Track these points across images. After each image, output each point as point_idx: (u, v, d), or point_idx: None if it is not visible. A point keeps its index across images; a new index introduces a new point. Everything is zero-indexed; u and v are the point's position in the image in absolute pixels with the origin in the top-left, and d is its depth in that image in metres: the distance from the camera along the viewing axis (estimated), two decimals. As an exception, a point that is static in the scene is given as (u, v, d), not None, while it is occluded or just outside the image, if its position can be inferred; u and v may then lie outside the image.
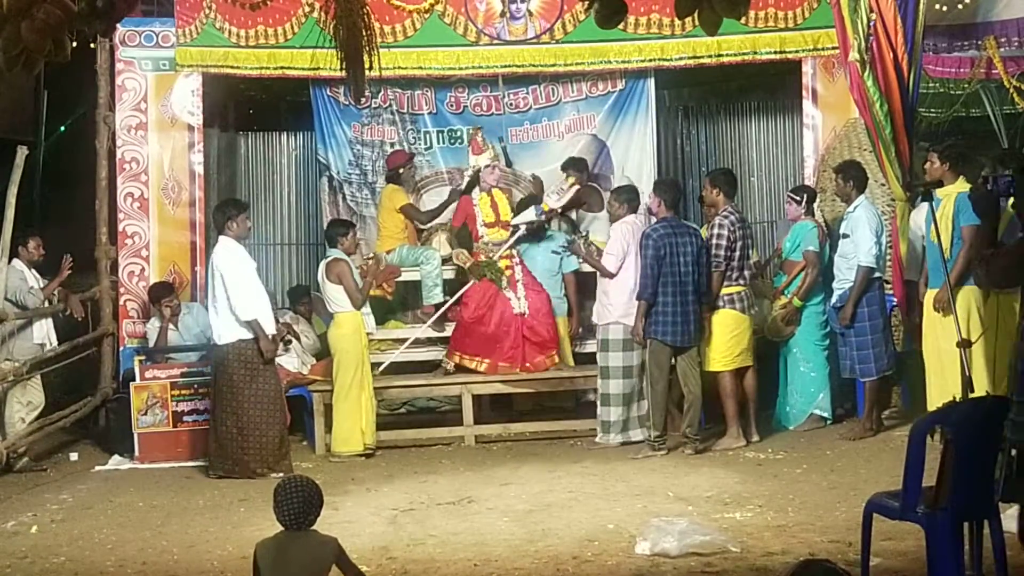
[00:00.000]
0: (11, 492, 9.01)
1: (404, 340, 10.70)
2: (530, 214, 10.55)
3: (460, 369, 10.39)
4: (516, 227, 10.55)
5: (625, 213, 9.75)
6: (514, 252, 10.56)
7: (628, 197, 9.88)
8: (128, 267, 11.00)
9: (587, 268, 10.34)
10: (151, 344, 10.56)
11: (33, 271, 10.37)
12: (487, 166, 10.69)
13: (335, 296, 9.79)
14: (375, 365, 10.20)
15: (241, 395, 9.17)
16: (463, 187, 10.90)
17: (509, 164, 11.45)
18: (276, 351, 9.42)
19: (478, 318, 10.34)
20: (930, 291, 8.80)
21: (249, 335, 9.15)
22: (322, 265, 9.99)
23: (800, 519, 7.10)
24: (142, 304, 10.89)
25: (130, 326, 10.94)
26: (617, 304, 9.61)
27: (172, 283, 10.73)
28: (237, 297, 9.08)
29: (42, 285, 10.38)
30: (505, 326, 10.33)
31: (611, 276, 9.64)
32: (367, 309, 9.98)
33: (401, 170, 11.07)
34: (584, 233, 10.93)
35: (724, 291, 9.52)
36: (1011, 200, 5.04)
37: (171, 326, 10.48)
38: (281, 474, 8.68)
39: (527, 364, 10.35)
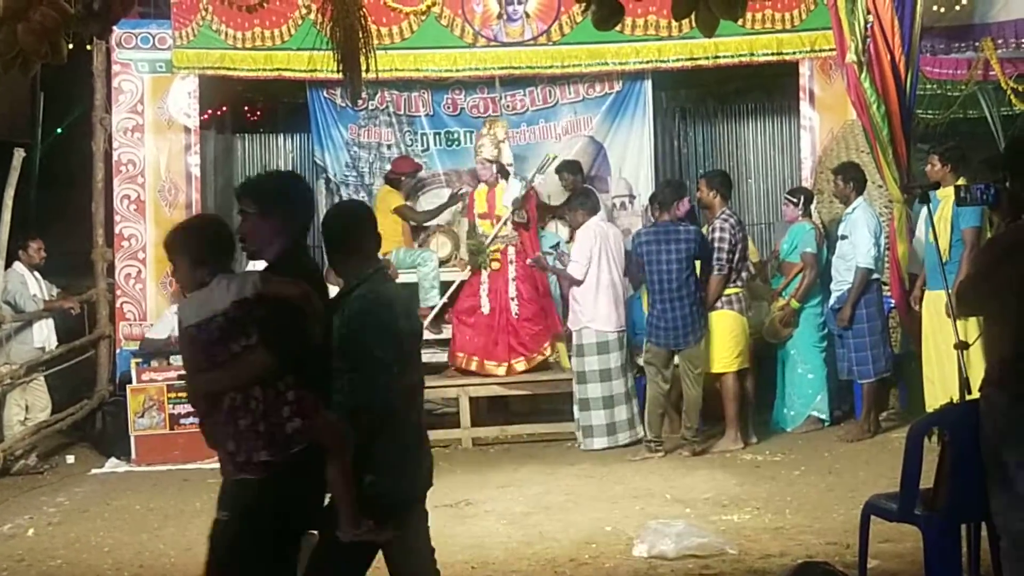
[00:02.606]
0: (8, 495, 9.01)
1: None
2: (514, 191, 10.47)
3: (460, 372, 10.38)
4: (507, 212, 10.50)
5: (584, 218, 9.81)
6: (509, 246, 10.46)
7: (581, 202, 9.95)
8: (124, 269, 10.99)
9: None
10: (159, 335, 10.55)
11: (35, 274, 10.37)
12: (481, 160, 10.58)
13: None
14: None
15: None
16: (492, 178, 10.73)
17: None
18: None
19: (468, 314, 10.33)
20: (928, 292, 8.80)
21: None
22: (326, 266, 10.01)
23: (798, 521, 7.10)
24: (139, 306, 10.87)
25: (127, 328, 10.93)
26: (587, 308, 9.66)
27: None
28: None
29: (44, 289, 10.38)
30: (491, 323, 10.30)
31: (578, 284, 9.69)
32: None
33: (404, 177, 11.07)
34: (557, 243, 10.86)
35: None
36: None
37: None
38: None
39: (510, 362, 10.33)
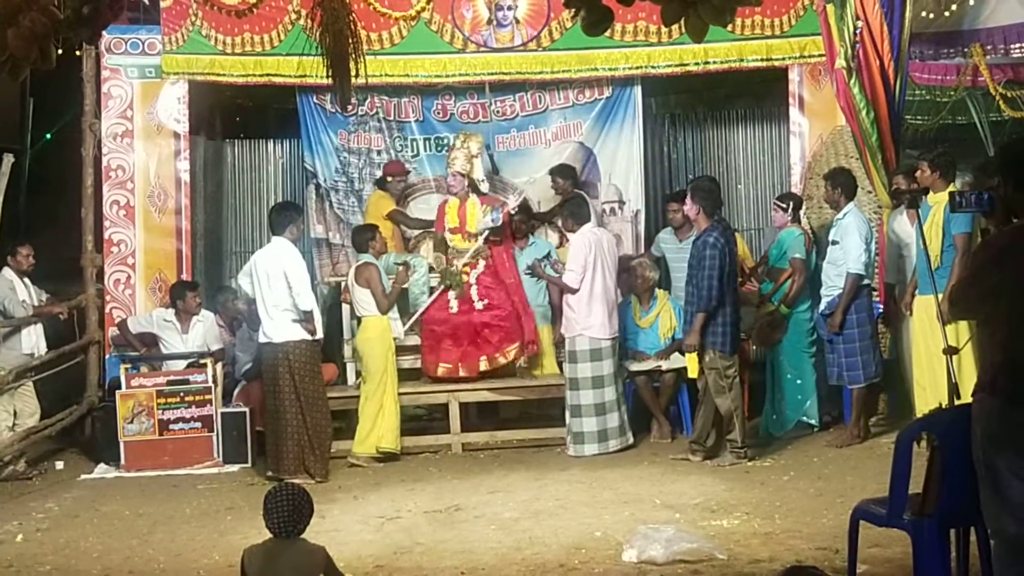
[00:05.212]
0: (-4, 501, 9.00)
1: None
2: (488, 220, 10.44)
3: (433, 380, 10.37)
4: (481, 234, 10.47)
5: (576, 227, 9.78)
6: (480, 259, 10.46)
7: (572, 211, 9.90)
8: (114, 275, 10.97)
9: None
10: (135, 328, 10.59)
11: (24, 280, 10.35)
12: (453, 173, 10.57)
13: (363, 300, 9.87)
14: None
15: (307, 393, 9.27)
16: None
17: (496, 171, 11.44)
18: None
19: (434, 322, 10.33)
20: (919, 297, 8.80)
21: (310, 336, 9.25)
22: (352, 269, 10.05)
23: (787, 526, 7.11)
24: (128, 312, 10.85)
25: (116, 334, 10.89)
26: (582, 315, 9.64)
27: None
28: (302, 290, 9.17)
29: (33, 295, 10.37)
30: (454, 328, 10.27)
31: (574, 292, 9.65)
32: (395, 315, 10.02)
33: (389, 179, 11.08)
34: (548, 253, 10.81)
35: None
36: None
37: (179, 327, 10.42)
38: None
39: (481, 361, 10.26)
